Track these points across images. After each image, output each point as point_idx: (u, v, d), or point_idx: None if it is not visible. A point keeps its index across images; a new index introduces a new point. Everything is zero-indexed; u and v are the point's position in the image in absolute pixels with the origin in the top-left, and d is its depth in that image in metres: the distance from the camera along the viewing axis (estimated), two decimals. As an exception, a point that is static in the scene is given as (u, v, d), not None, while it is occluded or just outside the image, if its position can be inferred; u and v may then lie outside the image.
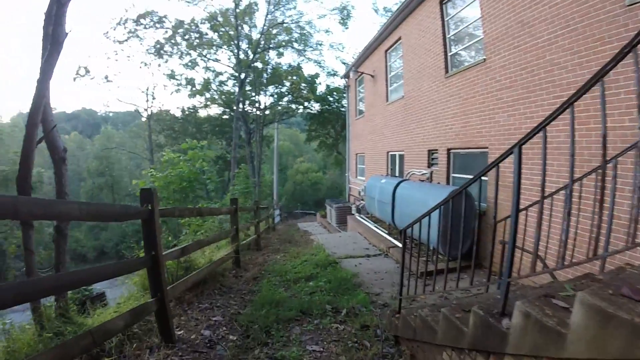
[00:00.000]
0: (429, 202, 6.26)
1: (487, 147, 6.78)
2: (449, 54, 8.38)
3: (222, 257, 6.35)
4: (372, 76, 13.83)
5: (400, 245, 7.73)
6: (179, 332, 3.86)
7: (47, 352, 2.31)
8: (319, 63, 31.01)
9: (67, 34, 3.38)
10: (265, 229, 14.01)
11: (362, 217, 11.21)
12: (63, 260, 3.81)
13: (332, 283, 5.62)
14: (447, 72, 8.36)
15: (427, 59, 9.23)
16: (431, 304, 3.70)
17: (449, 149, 8.23)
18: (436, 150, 8.77)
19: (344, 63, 29.48)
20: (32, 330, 3.11)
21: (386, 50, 12.42)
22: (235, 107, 27.16)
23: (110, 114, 57.40)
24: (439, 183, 8.10)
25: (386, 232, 9.04)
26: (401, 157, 11.32)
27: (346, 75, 18.09)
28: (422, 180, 8.65)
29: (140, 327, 3.70)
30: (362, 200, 12.67)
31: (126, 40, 27.48)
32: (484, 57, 6.83)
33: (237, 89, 31.08)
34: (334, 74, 30.86)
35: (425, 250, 6.53)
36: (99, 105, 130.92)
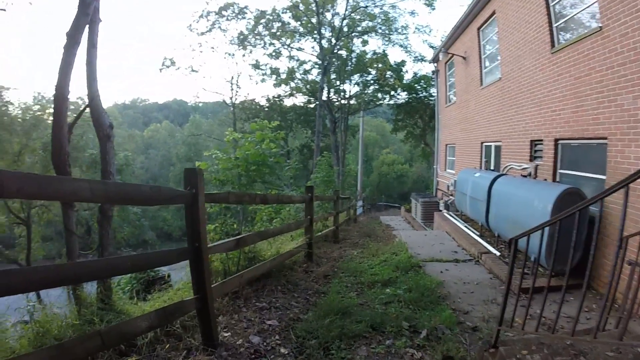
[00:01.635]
0: (534, 202, 5.22)
1: (605, 138, 5.45)
2: (555, 25, 7.05)
3: (291, 250, 5.93)
4: (464, 58, 12.54)
5: (495, 252, 6.70)
6: (226, 334, 3.39)
7: (40, 352, 1.93)
8: (405, 48, 29.43)
9: (95, -3, 3.09)
10: (345, 221, 13.52)
11: (450, 215, 10.17)
12: (106, 243, 3.57)
13: (413, 292, 4.84)
14: (553, 46, 7.05)
15: (527, 33, 7.93)
16: (535, 337, 2.84)
17: (556, 140, 6.95)
18: (540, 140, 7.51)
19: (432, 47, 27.80)
20: (70, 314, 2.90)
21: (479, 28, 11.12)
22: (318, 95, 26.89)
23: (200, 104, 60.29)
24: (545, 180, 6.87)
25: (478, 233, 7.99)
26: (497, 148, 10.04)
27: (435, 60, 16.82)
28: (524, 176, 7.45)
29: (183, 322, 3.33)
30: (451, 195, 11.57)
31: (209, 31, 28.58)
32: (600, 25, 5.52)
33: (321, 77, 31.07)
34: (421, 59, 29.29)
35: (524, 261, 5.48)
36: (189, 96, 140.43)
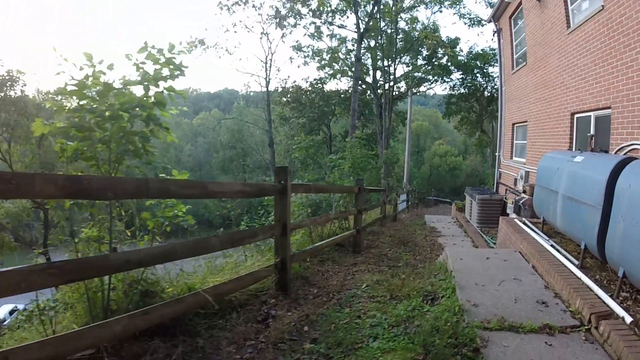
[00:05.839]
0: None
1: None
2: None
3: (219, 287, 3.26)
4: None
5: (623, 314, 3.31)
6: None
7: None
8: (457, 6, 25.36)
9: None
10: (378, 220, 10.73)
11: (525, 224, 6.62)
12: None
13: None
14: None
15: None
16: None
17: None
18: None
19: (490, 5, 23.53)
20: None
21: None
22: (355, 66, 23.91)
23: (251, 93, 59.40)
24: None
25: (576, 263, 4.56)
26: (601, 120, 6.52)
27: (495, 16, 13.13)
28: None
29: None
30: (524, 193, 8.04)
31: (236, 3, 25.93)
32: None
33: (368, 60, 28.65)
34: (478, 21, 25.07)
35: None
36: (240, 85, 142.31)
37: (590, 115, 6.82)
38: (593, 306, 3.52)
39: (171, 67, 3.13)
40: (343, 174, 12.04)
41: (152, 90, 3.06)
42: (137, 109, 2.97)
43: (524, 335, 3.24)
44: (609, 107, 6.04)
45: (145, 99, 3.01)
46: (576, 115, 7.39)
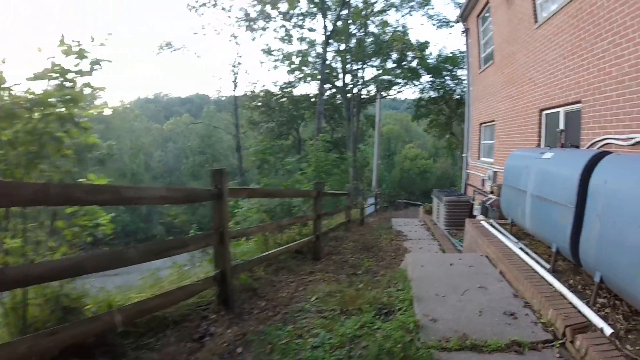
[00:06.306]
0: None
1: None
2: None
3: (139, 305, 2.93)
4: (506, -5, 8.67)
5: (602, 325, 2.89)
6: None
7: None
8: (425, 5, 25.30)
9: None
10: (342, 224, 10.21)
11: (492, 225, 6.21)
12: None
13: None
14: None
15: None
16: None
17: None
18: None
19: (458, 5, 23.73)
20: None
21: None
22: (321, 67, 23.52)
23: (223, 98, 58.43)
24: None
25: (548, 267, 4.13)
26: (570, 115, 6.21)
27: (463, 16, 12.92)
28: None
29: None
30: (491, 193, 7.68)
31: (204, 5, 25.02)
32: None
33: (338, 64, 28.47)
34: (446, 22, 25.10)
35: None
36: (212, 90, 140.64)
37: (560, 111, 6.50)
38: (567, 317, 3.08)
39: (90, 60, 2.91)
40: (306, 177, 11.43)
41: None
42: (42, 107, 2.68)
43: (488, 355, 2.75)
44: (579, 102, 5.70)
45: (44, 95, 2.62)
46: (545, 112, 7.07)
